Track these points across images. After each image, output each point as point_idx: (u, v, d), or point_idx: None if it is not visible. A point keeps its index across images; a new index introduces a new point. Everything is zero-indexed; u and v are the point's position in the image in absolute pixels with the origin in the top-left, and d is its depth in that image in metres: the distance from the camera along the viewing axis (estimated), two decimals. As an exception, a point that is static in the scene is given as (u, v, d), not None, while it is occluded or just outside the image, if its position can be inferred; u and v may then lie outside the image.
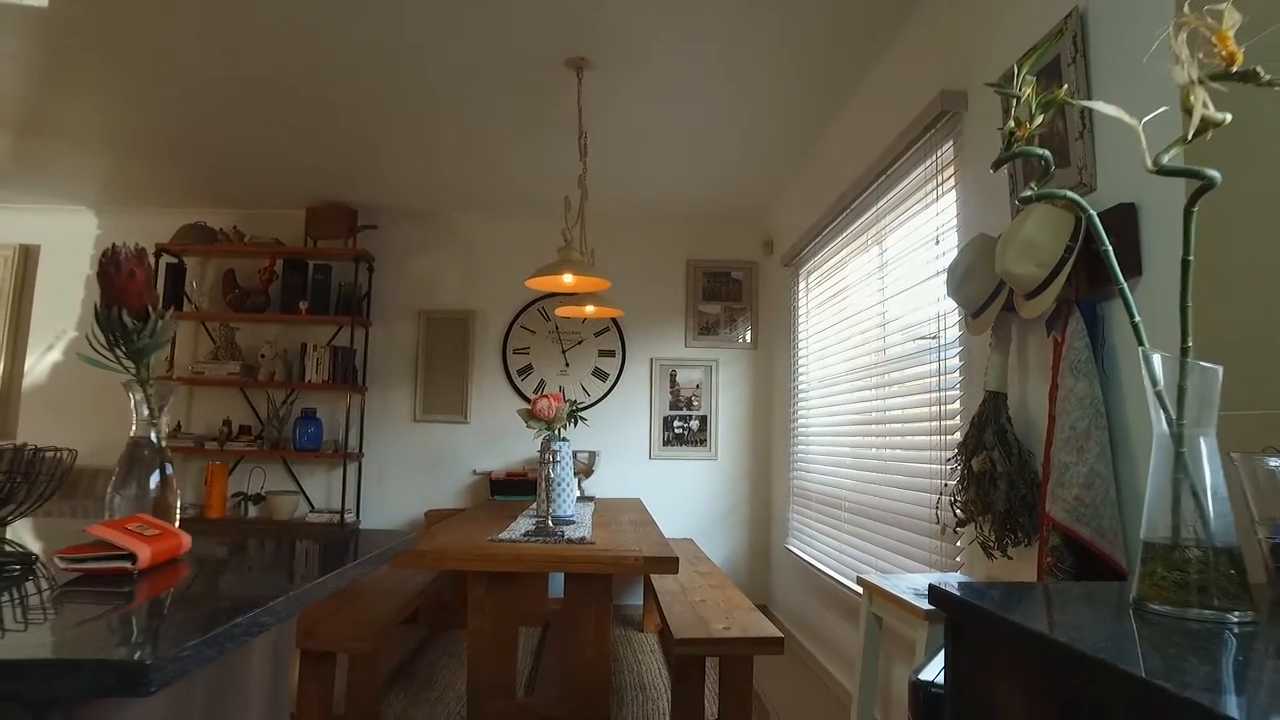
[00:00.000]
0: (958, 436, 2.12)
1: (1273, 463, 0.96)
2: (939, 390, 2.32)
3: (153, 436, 1.25)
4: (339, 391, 4.59)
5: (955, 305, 2.11)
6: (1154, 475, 0.89)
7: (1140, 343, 0.90)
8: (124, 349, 1.21)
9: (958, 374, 2.22)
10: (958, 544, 2.15)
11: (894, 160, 2.62)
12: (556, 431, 3.10)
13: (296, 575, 1.04)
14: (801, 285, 4.13)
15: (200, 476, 4.55)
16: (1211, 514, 0.84)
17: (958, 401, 2.21)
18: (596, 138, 3.53)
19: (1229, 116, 0.75)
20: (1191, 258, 0.84)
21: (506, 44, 2.78)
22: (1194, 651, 0.70)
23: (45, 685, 0.59)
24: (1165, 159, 0.80)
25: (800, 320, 4.13)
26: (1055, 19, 1.75)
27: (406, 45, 2.78)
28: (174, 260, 4.61)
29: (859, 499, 3.05)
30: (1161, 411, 0.88)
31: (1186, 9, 0.75)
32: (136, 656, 0.61)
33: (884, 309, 2.93)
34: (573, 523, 2.94)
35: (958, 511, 1.90)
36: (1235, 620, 0.80)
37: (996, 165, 1.02)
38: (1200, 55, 0.75)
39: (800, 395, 4.09)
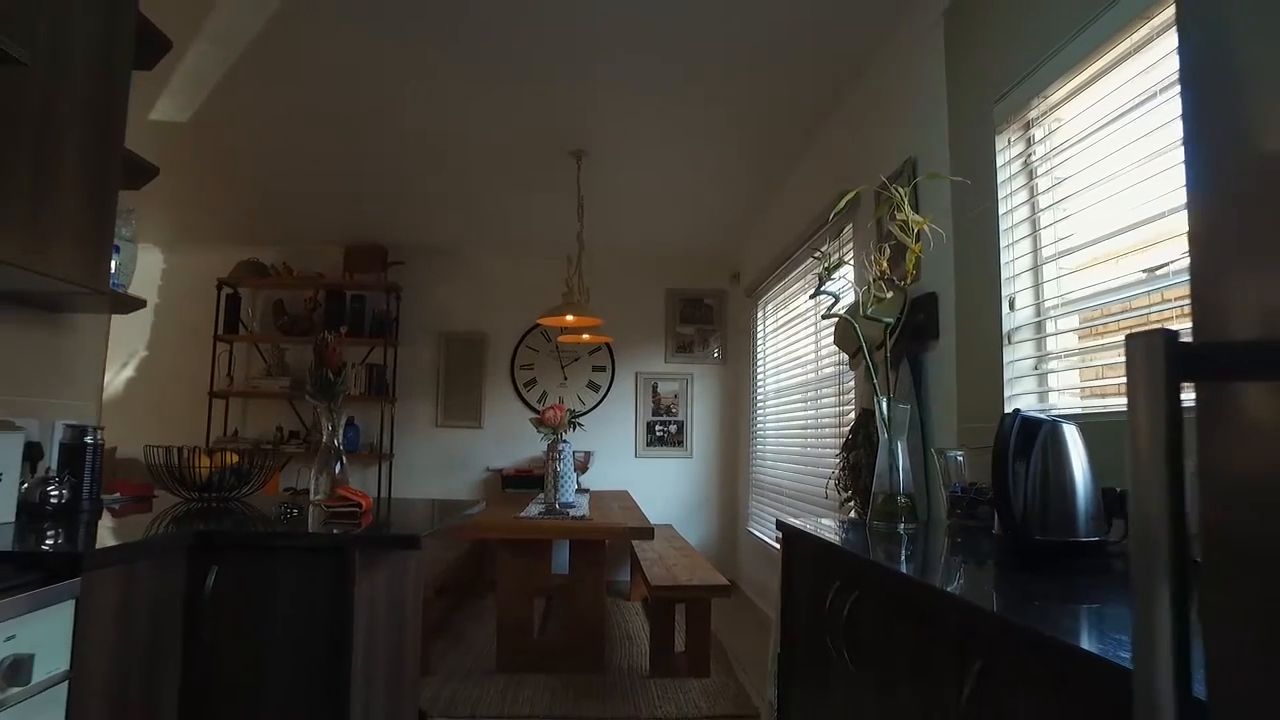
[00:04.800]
0: (849, 439, 3.01)
1: (950, 454, 1.85)
2: (839, 405, 3.21)
3: (335, 442, 2.11)
4: (373, 402, 5.43)
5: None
6: (879, 460, 1.77)
7: (875, 393, 1.78)
8: (324, 392, 2.07)
9: (851, 394, 3.11)
10: (850, 515, 3.03)
11: (816, 231, 3.50)
12: (560, 435, 3.97)
13: (433, 517, 1.91)
14: (760, 313, 5.01)
15: (256, 474, 5.38)
16: (901, 479, 1.73)
17: (851, 413, 3.09)
18: (592, 200, 4.40)
19: (891, 294, 1.64)
20: (888, 354, 1.73)
21: (521, 137, 3.64)
22: (885, 542, 1.58)
23: (380, 545, 1.46)
24: (869, 312, 1.68)
25: (759, 342, 5.02)
26: (899, 162, 2.64)
27: (437, 125, 3.58)
28: (231, 291, 5.44)
29: (795, 486, 3.93)
30: (884, 428, 1.77)
31: (872, 245, 1.63)
32: (415, 533, 1.48)
33: (817, 339, 3.81)
34: (574, 506, 3.79)
35: (840, 491, 2.78)
36: (904, 530, 1.68)
37: (812, 296, 1.90)
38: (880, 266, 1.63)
39: (758, 404, 4.97)
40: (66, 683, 1.09)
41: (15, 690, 0.97)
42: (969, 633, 0.92)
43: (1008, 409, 1.99)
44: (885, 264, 1.61)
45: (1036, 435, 1.15)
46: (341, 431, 2.14)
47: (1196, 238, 0.48)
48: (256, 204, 4.81)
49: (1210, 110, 0.47)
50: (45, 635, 1.05)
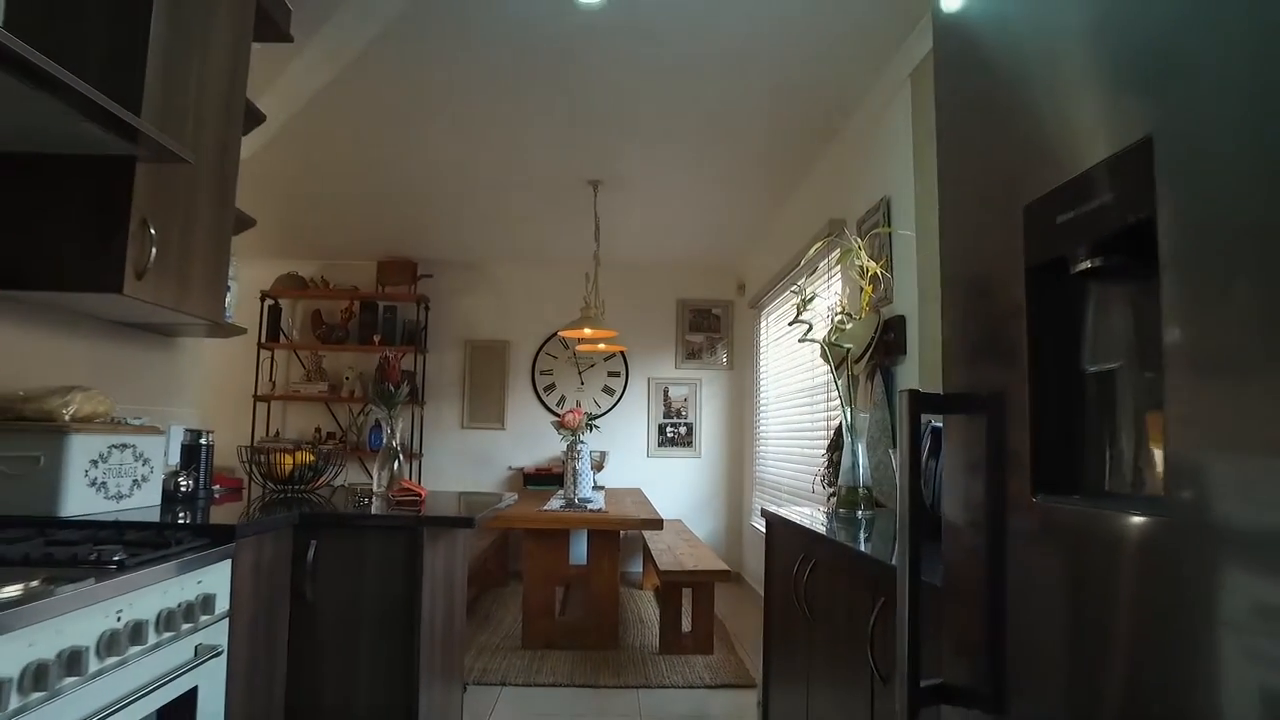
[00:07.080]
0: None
1: (905, 453, 2.22)
2: (828, 410, 3.59)
3: (394, 443, 2.52)
4: (404, 405, 5.85)
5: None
6: (844, 458, 2.16)
7: (841, 403, 2.16)
8: (386, 401, 2.48)
9: (838, 401, 3.48)
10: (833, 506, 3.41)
11: (808, 252, 3.88)
12: (578, 436, 4.37)
13: (459, 507, 2.30)
14: (762, 323, 5.39)
15: (297, 472, 5.82)
16: (861, 474, 2.11)
17: (838, 417, 3.47)
18: (607, 221, 4.79)
19: (851, 325, 2.02)
20: (855, 374, 2.11)
21: (544, 169, 4.05)
22: (847, 525, 1.97)
23: (444, 525, 1.86)
24: (833, 339, 2.06)
25: (761, 350, 5.40)
26: (877, 198, 3.01)
27: (468, 157, 4.00)
28: (273, 302, 5.88)
29: (793, 483, 4.31)
30: (849, 432, 2.15)
31: (840, 288, 2.01)
32: (470, 515, 1.88)
33: (813, 350, 4.18)
34: (591, 501, 4.19)
35: (824, 485, 3.16)
36: (863, 515, 2.06)
37: (791, 324, 2.28)
38: (839, 302, 2.01)
39: (761, 407, 5.35)
40: (228, 619, 1.50)
41: (206, 618, 1.38)
42: (876, 579, 1.31)
43: (956, 416, 2.36)
44: (844, 300, 1.99)
45: (942, 438, 1.52)
46: (399, 434, 2.55)
47: (944, 346, 0.87)
48: (298, 222, 5.25)
49: (948, 261, 0.86)
50: (216, 583, 1.46)
